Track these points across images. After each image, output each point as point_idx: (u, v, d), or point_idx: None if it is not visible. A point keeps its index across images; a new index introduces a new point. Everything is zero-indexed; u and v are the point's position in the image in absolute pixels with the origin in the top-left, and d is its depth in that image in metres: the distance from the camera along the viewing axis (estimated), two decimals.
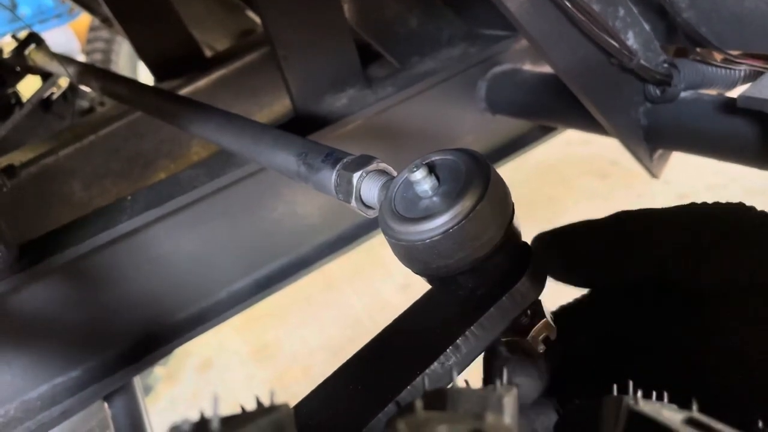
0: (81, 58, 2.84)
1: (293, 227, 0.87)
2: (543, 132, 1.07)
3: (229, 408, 0.23)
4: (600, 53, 0.68)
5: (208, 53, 1.42)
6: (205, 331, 0.82)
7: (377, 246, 0.88)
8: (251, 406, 0.24)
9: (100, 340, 0.76)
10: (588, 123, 0.79)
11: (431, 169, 0.36)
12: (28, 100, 1.24)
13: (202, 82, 1.20)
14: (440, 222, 0.33)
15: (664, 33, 0.68)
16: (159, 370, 2.18)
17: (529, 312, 0.38)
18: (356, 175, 0.42)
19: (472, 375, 0.35)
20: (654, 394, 0.29)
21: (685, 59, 0.71)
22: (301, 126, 0.82)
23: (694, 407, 0.26)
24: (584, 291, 0.47)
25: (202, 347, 2.23)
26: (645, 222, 0.41)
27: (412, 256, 0.35)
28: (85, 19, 3.19)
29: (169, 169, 1.16)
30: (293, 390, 1.92)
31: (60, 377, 0.74)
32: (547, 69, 0.89)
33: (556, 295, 0.48)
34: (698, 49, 0.69)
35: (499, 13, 0.63)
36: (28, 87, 1.30)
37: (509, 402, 0.24)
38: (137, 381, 0.81)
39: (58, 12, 3.48)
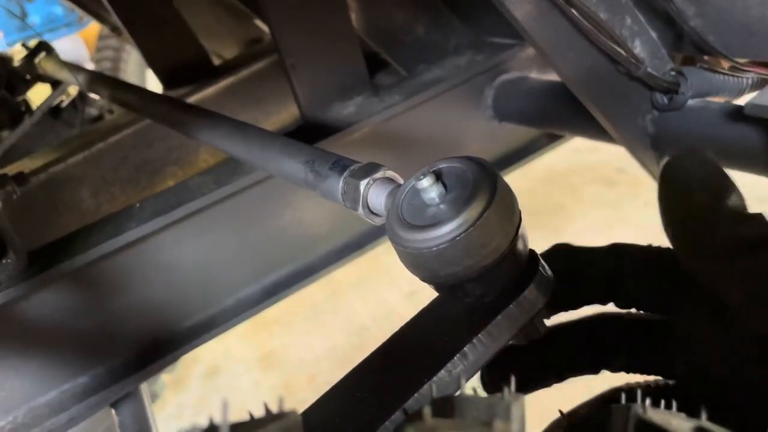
0: (90, 66, 2.86)
1: (300, 234, 0.88)
2: (550, 140, 1.07)
3: (236, 415, 0.23)
4: (607, 61, 0.68)
5: (216, 61, 1.43)
6: (212, 338, 0.82)
7: (382, 254, 0.88)
8: (259, 412, 0.24)
9: (107, 347, 0.77)
10: (595, 131, 0.79)
11: (438, 176, 0.36)
12: (38, 108, 1.25)
13: (210, 90, 1.21)
14: (447, 229, 0.33)
15: (671, 41, 0.68)
16: (165, 377, 2.19)
17: None
18: (363, 183, 0.42)
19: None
20: (662, 402, 0.29)
21: (692, 67, 0.70)
22: (308, 134, 0.82)
23: (704, 416, 0.26)
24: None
25: (209, 354, 2.23)
26: None
27: (419, 263, 0.35)
28: (94, 27, 3.23)
29: (177, 176, 1.17)
30: (299, 397, 1.92)
31: (68, 383, 0.75)
32: (553, 77, 0.89)
33: None
34: (705, 57, 0.69)
35: (506, 21, 0.64)
36: (38, 95, 1.31)
37: (517, 410, 0.24)
38: (144, 388, 0.81)
39: (67, 21, 3.53)
